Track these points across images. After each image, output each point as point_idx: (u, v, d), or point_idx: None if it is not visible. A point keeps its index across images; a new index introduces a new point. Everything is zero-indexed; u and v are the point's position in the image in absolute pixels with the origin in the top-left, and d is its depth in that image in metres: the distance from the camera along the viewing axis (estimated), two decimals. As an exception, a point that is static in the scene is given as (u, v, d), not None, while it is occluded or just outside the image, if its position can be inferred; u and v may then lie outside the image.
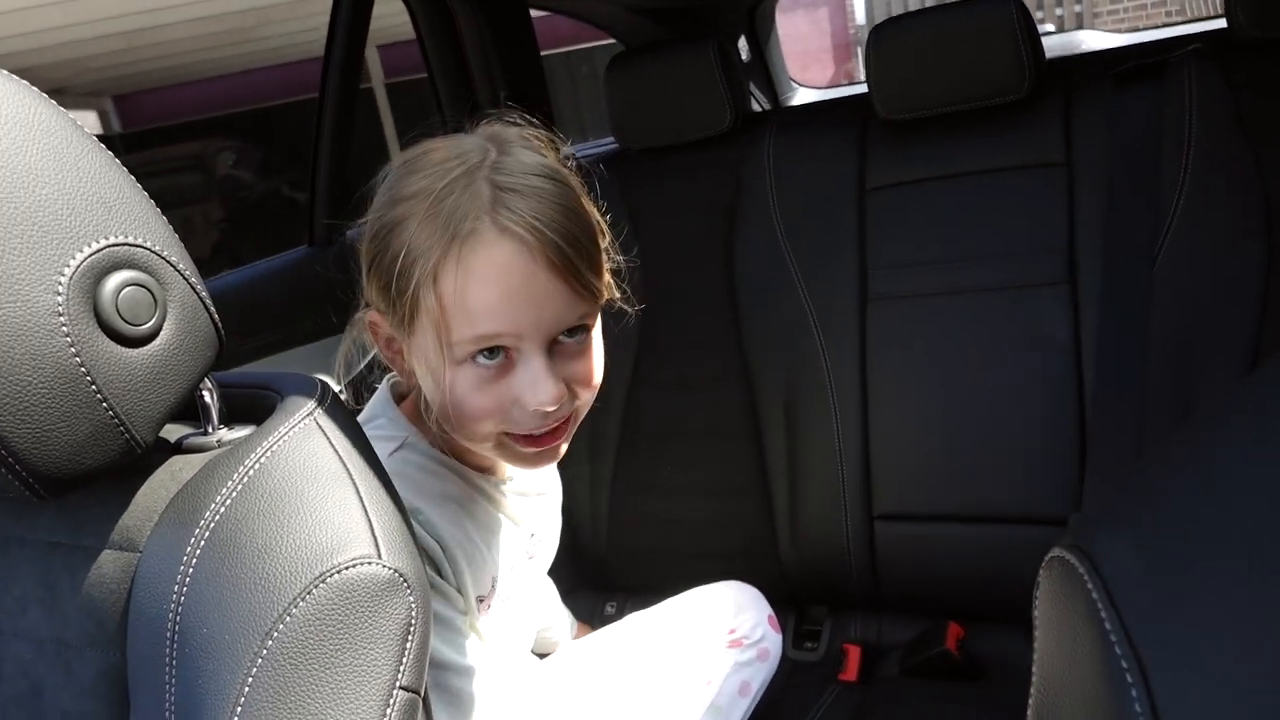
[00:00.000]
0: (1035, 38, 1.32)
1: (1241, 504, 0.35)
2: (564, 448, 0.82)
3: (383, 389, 0.87)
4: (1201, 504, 0.37)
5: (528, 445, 0.78)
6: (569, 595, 1.68)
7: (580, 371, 0.78)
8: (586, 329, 0.79)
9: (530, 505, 0.93)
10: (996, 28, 1.32)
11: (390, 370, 0.86)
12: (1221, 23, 1.33)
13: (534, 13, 1.88)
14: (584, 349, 0.79)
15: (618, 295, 0.85)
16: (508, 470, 0.89)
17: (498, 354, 0.74)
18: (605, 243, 0.81)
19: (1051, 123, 1.36)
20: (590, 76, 6.92)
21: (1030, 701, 0.42)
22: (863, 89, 1.51)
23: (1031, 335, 1.33)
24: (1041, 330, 1.32)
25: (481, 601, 0.86)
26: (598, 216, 0.80)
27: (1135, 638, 0.35)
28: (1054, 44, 1.59)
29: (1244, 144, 1.22)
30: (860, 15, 9.07)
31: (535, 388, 0.74)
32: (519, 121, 0.81)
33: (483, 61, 1.78)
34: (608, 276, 0.81)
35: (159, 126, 7.14)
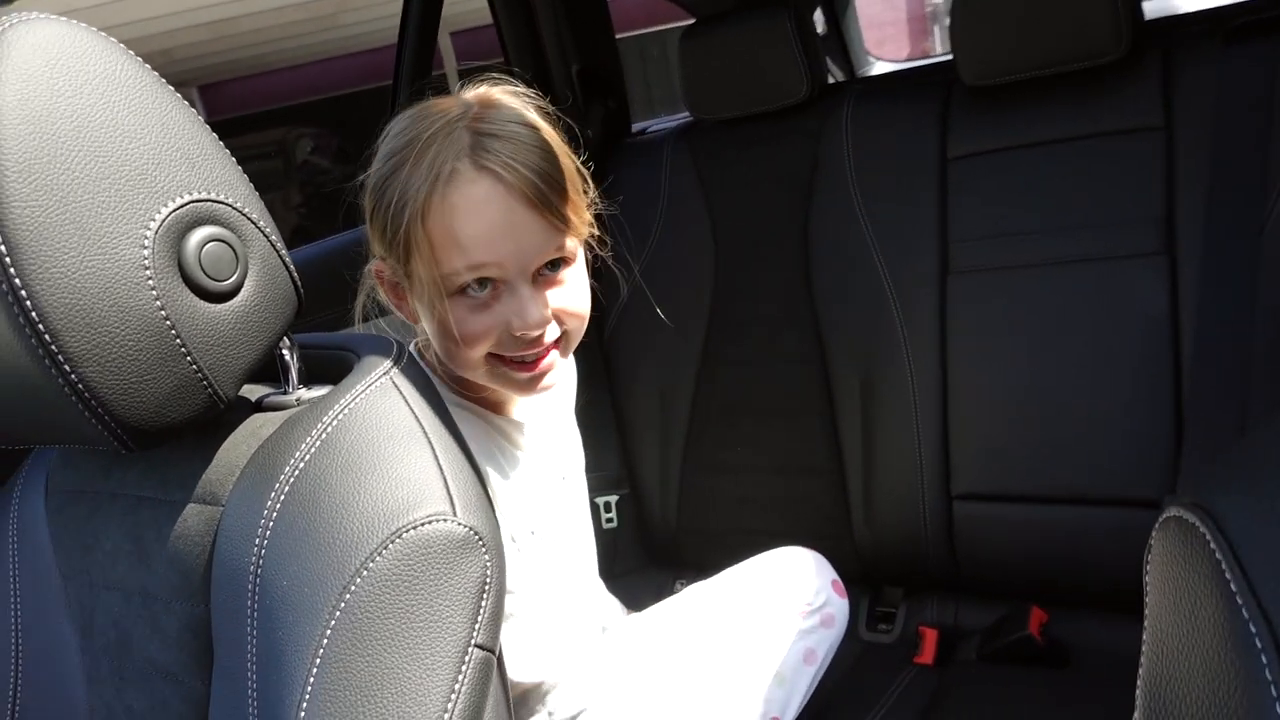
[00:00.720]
0: (1133, -7, 1.26)
1: None
2: (555, 374, 0.87)
3: (412, 344, 0.93)
4: None
5: (519, 370, 0.84)
6: (639, 572, 1.68)
7: (564, 301, 0.84)
8: (568, 261, 0.85)
9: (546, 441, 0.98)
10: None
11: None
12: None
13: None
14: (567, 279, 0.85)
15: (598, 242, 0.92)
16: (515, 411, 0.95)
17: (486, 285, 0.81)
18: (586, 189, 0.87)
19: (1150, 85, 1.29)
20: (661, 59, 6.89)
21: (1140, 671, 0.39)
22: (943, 59, 1.46)
23: (1125, 309, 1.27)
24: (1136, 304, 1.26)
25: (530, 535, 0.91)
26: (578, 164, 0.87)
27: (1265, 600, 0.32)
28: (1151, 8, 1.51)
29: None
30: (938, -9, 8.83)
31: (522, 313, 0.81)
32: (508, 82, 0.88)
33: (557, 41, 1.78)
34: (588, 216, 0.87)
35: (242, 115, 7.35)
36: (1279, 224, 1.17)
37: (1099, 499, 1.28)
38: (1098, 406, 1.28)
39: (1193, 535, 0.36)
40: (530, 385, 0.85)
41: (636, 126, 1.99)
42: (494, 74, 0.88)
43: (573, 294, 0.86)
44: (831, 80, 2.19)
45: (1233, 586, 0.33)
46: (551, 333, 0.84)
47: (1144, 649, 0.39)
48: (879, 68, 2.43)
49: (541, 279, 0.83)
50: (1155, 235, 1.26)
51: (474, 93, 0.85)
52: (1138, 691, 0.39)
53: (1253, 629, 0.32)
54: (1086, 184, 1.32)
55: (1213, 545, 0.34)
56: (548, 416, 1.01)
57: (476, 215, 0.79)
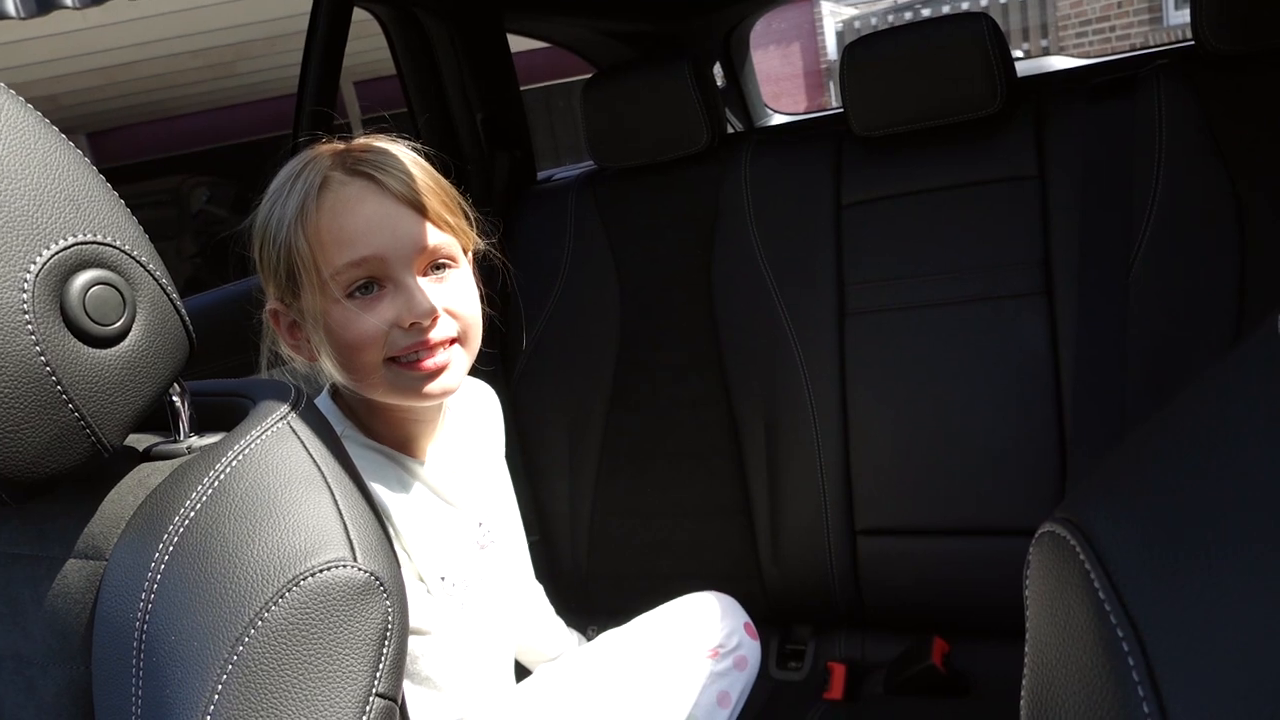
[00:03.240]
0: (1006, 53, 1.34)
1: (1240, 474, 0.35)
2: (454, 376, 0.86)
3: (324, 392, 0.94)
4: (1196, 473, 0.36)
5: (416, 370, 0.84)
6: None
7: (452, 299, 0.85)
8: (452, 265, 0.87)
9: (459, 484, 0.97)
10: (968, 44, 1.33)
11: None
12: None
13: (512, 46, 1.89)
14: (453, 280, 0.87)
15: (482, 245, 0.94)
16: (428, 451, 0.94)
17: (371, 288, 0.82)
18: (465, 210, 0.90)
19: (1024, 137, 1.37)
20: (567, 111, 6.97)
21: (1024, 683, 0.41)
22: (836, 111, 1.53)
23: (1009, 347, 1.34)
24: (1019, 342, 1.33)
25: (439, 581, 0.90)
26: (454, 190, 0.90)
27: (1130, 605, 0.34)
28: (1025, 67, 1.61)
29: (1214, 154, 1.24)
30: (831, 50, 9.22)
31: (409, 304, 0.82)
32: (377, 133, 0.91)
33: (460, 91, 1.79)
34: (472, 231, 0.90)
35: (135, 162, 7.11)
36: (1143, 266, 1.26)
37: (993, 529, 1.33)
38: (988, 440, 1.34)
39: (1063, 548, 0.38)
40: (428, 384, 0.85)
41: (542, 175, 2.01)
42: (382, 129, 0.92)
43: (461, 293, 0.87)
44: (731, 130, 2.26)
45: (1100, 595, 0.35)
46: (445, 327, 0.85)
47: (1025, 661, 0.41)
48: (776, 120, 2.52)
49: (427, 279, 0.84)
50: (1035, 276, 1.34)
51: (355, 138, 0.89)
52: (1021, 703, 0.41)
53: (1120, 633, 0.34)
54: (970, 228, 1.39)
55: (1081, 556, 0.36)
56: (466, 457, 1.00)
57: (352, 211, 0.81)
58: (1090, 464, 1.25)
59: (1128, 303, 1.25)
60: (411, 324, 0.82)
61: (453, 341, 0.86)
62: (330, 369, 0.86)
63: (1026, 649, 0.41)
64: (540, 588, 1.26)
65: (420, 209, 0.84)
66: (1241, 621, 0.32)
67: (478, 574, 0.95)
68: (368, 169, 0.83)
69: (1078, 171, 1.32)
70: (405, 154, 0.87)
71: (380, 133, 0.91)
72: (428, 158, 0.90)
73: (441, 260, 0.86)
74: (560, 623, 1.28)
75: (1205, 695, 0.31)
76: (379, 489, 0.86)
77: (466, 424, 1.03)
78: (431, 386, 0.85)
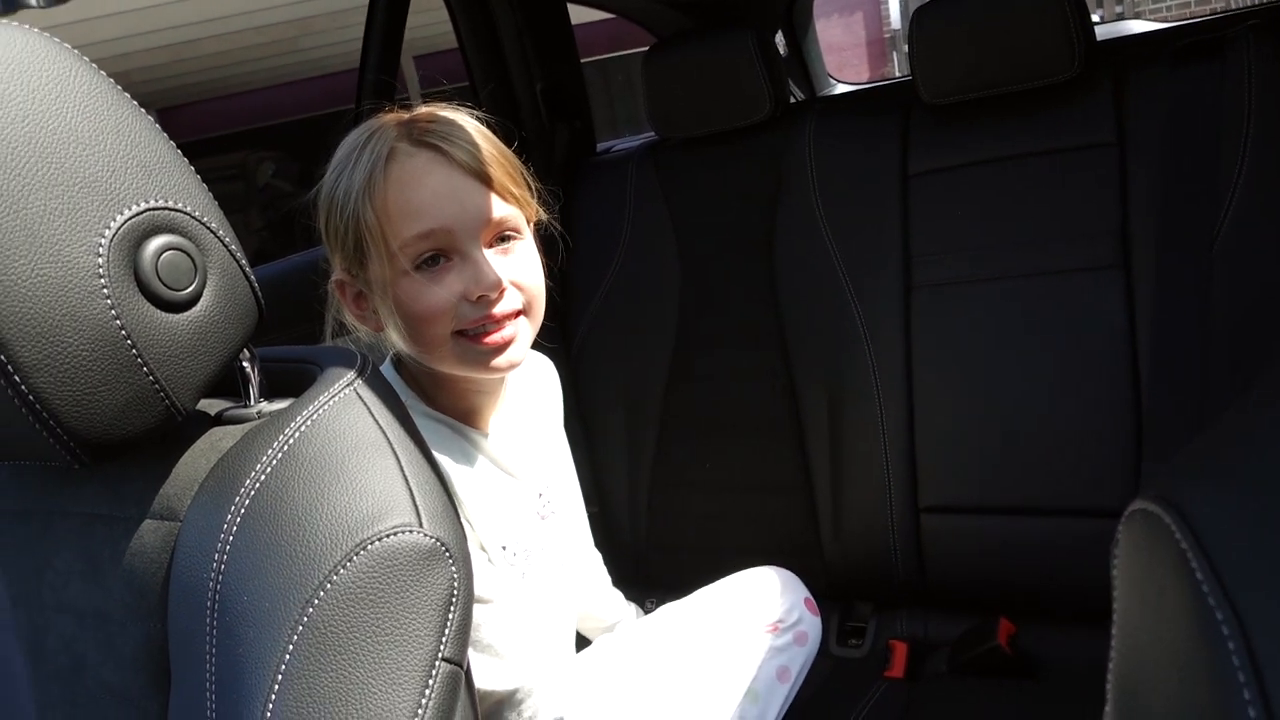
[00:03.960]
0: (1085, 16, 1.29)
1: None
2: (520, 349, 0.87)
3: (387, 361, 0.94)
4: None
5: (484, 343, 0.84)
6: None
7: (518, 271, 0.86)
8: (517, 236, 0.87)
9: (520, 455, 0.97)
10: (1044, 6, 1.28)
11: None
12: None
13: (572, 14, 1.88)
14: (519, 251, 0.87)
15: (544, 216, 0.94)
16: (490, 423, 0.94)
17: (438, 260, 0.83)
18: (528, 182, 0.90)
19: (1102, 103, 1.32)
20: (625, 84, 6.94)
21: (1110, 666, 0.39)
22: (903, 79, 1.49)
23: (1083, 320, 1.29)
24: (1094, 315, 1.28)
25: (501, 550, 0.90)
26: (517, 160, 0.89)
27: (1231, 590, 0.32)
28: (1101, 32, 1.54)
29: None
30: (895, 19, 9.01)
31: (478, 275, 0.82)
32: (440, 102, 0.90)
33: (522, 62, 1.78)
34: (534, 202, 0.90)
35: (202, 138, 7.28)
36: (1229, 238, 1.20)
37: (1063, 510, 1.30)
38: (1060, 418, 1.30)
39: (1158, 526, 0.36)
40: (495, 357, 0.85)
41: (601, 146, 2.00)
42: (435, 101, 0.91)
43: (526, 265, 0.87)
44: (794, 100, 2.22)
45: (1198, 575, 0.33)
46: (511, 299, 0.85)
47: (1113, 643, 0.39)
48: (840, 89, 2.47)
49: (493, 251, 0.84)
50: (1111, 249, 1.29)
51: (417, 108, 0.89)
52: (1108, 686, 0.39)
53: (1219, 615, 0.32)
54: (1044, 199, 1.34)
55: (1178, 535, 0.35)
56: (527, 429, 1.00)
57: (419, 183, 0.81)
58: (1166, 444, 1.20)
59: (1211, 277, 1.20)
60: (480, 297, 0.82)
61: (518, 314, 0.86)
62: (396, 339, 0.86)
63: (1114, 630, 0.39)
64: (599, 557, 1.26)
65: (486, 180, 0.83)
66: None
67: (538, 544, 0.96)
68: (434, 140, 0.83)
69: (1159, 139, 1.27)
70: (470, 124, 0.87)
71: (443, 101, 0.90)
72: (491, 127, 0.89)
73: (507, 232, 0.86)
74: (618, 593, 1.29)
75: None
76: (442, 458, 0.87)
77: (527, 396, 1.03)
78: (499, 360, 0.85)
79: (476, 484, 0.90)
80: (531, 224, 0.90)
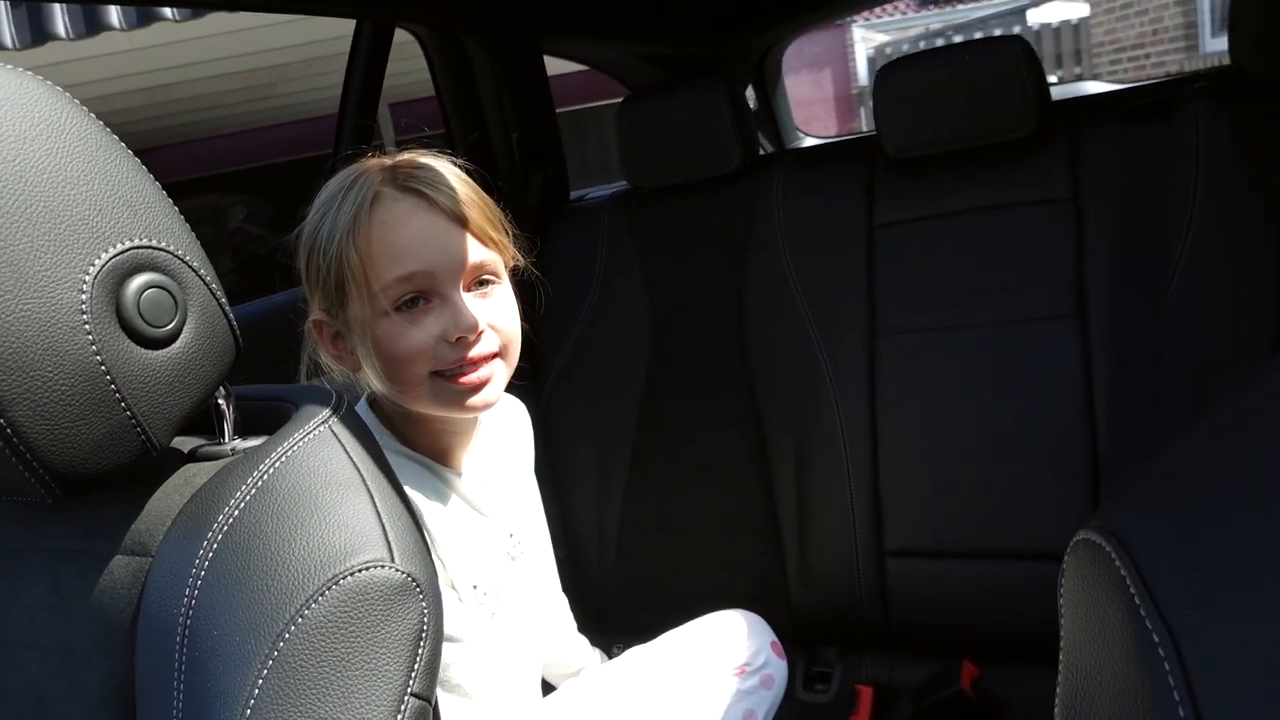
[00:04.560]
0: (1040, 75, 1.34)
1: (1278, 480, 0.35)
2: (495, 389, 0.89)
3: (362, 400, 0.95)
4: (1233, 480, 0.36)
5: (460, 384, 0.86)
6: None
7: (496, 314, 0.88)
8: (494, 280, 0.89)
9: (492, 495, 0.98)
10: (1002, 65, 1.34)
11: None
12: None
13: (549, 66, 1.92)
14: (496, 295, 0.89)
15: (523, 262, 0.96)
16: (463, 462, 0.95)
17: (418, 302, 0.85)
18: (506, 228, 0.92)
19: (1058, 159, 1.37)
20: (597, 135, 7.03)
21: (1059, 690, 0.41)
22: (868, 133, 1.53)
23: (1041, 369, 1.33)
24: (1051, 364, 1.32)
25: (471, 590, 0.90)
26: (495, 205, 0.92)
27: (1167, 614, 0.34)
28: (1059, 92, 1.61)
29: (1251, 179, 1.23)
30: (863, 75, 9.25)
31: (455, 318, 0.84)
32: (421, 149, 0.93)
33: (498, 111, 1.82)
34: (511, 248, 0.93)
35: (175, 181, 7.26)
36: (1180, 288, 1.25)
37: (1024, 553, 1.32)
38: (1021, 462, 1.33)
39: (1099, 555, 0.38)
40: (471, 397, 0.87)
41: (575, 194, 2.03)
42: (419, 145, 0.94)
43: (503, 309, 0.90)
44: (763, 152, 2.27)
45: (1136, 600, 0.35)
46: (488, 342, 0.87)
47: (1060, 669, 0.41)
48: (808, 142, 2.53)
49: (471, 295, 0.87)
50: (1067, 299, 1.33)
51: (402, 153, 0.91)
52: (1055, 711, 0.41)
53: (1156, 639, 0.34)
54: (1003, 251, 1.39)
55: (1118, 563, 0.37)
56: (499, 469, 1.01)
57: (403, 227, 0.84)
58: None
59: (1163, 327, 1.24)
60: (458, 339, 0.84)
61: (495, 356, 0.88)
62: (373, 380, 0.87)
63: (1061, 656, 0.41)
64: (565, 601, 1.26)
65: (467, 225, 0.86)
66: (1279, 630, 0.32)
67: (508, 584, 0.96)
68: (418, 185, 0.85)
69: (1112, 194, 1.32)
70: (451, 170, 0.89)
71: (422, 149, 0.92)
72: (470, 174, 0.92)
73: (486, 276, 0.88)
74: (583, 639, 1.29)
75: (1241, 703, 0.31)
76: (415, 496, 0.87)
77: (499, 437, 1.04)
78: (474, 399, 0.87)
79: (449, 522, 0.91)
80: (509, 269, 0.93)
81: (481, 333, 0.86)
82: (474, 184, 0.91)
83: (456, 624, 0.86)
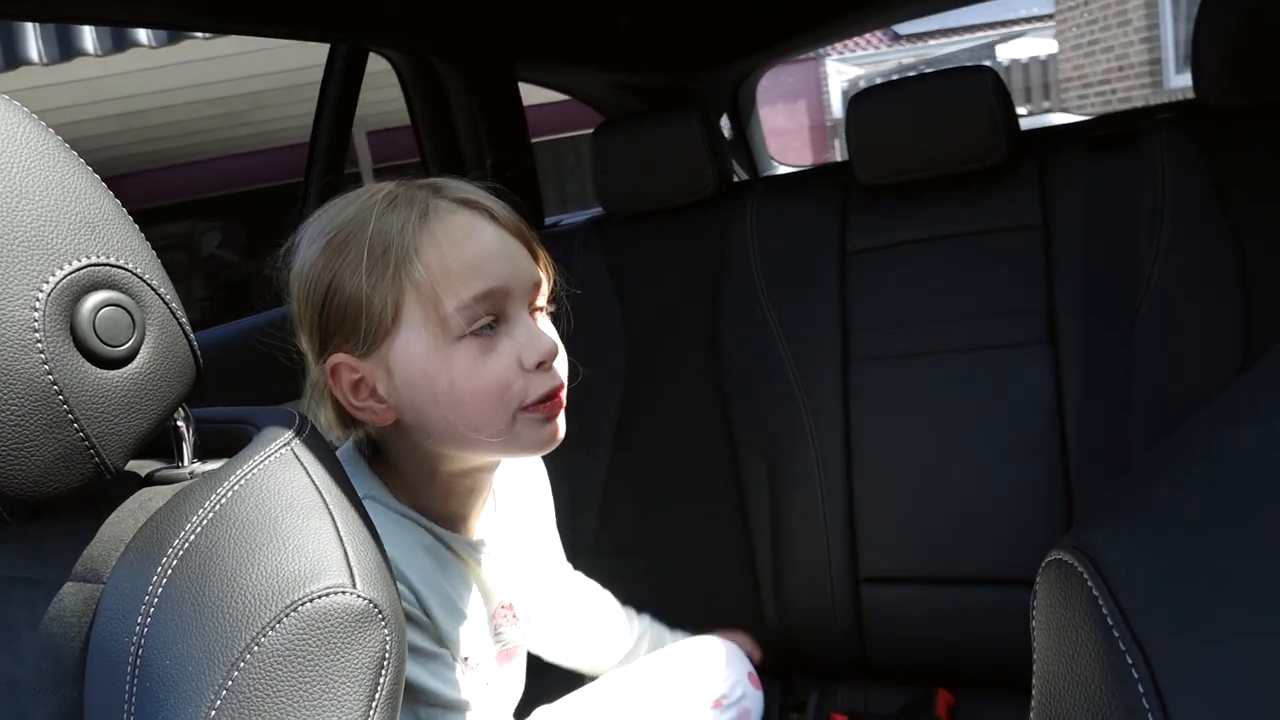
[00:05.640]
0: (1009, 105, 1.36)
1: (1248, 495, 0.35)
2: (564, 427, 0.81)
3: (347, 445, 0.85)
4: (1204, 497, 0.36)
5: (541, 411, 0.77)
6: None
7: (557, 339, 0.81)
8: (543, 308, 0.82)
9: (503, 568, 0.90)
10: (972, 95, 1.36)
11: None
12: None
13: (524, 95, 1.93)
14: (548, 323, 0.83)
15: (560, 287, 0.89)
16: (477, 532, 0.87)
17: (489, 325, 0.75)
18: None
19: (1028, 187, 1.39)
20: (574, 164, 7.07)
21: (1032, 714, 0.40)
22: (841, 161, 1.55)
23: (1013, 395, 1.34)
24: (1023, 390, 1.33)
25: (463, 662, 0.84)
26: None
27: (1140, 632, 0.34)
28: (1027, 124, 1.63)
29: (1217, 206, 1.25)
30: (836, 108, 9.38)
31: (534, 340, 0.76)
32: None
33: (473, 138, 1.82)
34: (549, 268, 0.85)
35: (148, 207, 7.21)
36: (1148, 313, 1.26)
37: (999, 579, 1.32)
38: (993, 489, 1.33)
39: (1070, 575, 0.37)
40: (553, 433, 0.79)
41: (549, 220, 2.03)
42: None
43: (557, 336, 0.82)
44: (737, 179, 2.28)
45: (1109, 620, 0.34)
46: (561, 367, 0.79)
47: (1034, 691, 0.40)
48: (781, 170, 2.55)
49: (534, 316, 0.79)
50: (1039, 325, 1.34)
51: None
52: None
53: (1129, 659, 0.33)
54: (974, 277, 1.40)
55: (1089, 582, 0.36)
56: (514, 534, 0.93)
57: (471, 241, 0.75)
58: None
59: (1132, 352, 1.25)
60: (538, 364, 0.75)
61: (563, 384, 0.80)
62: (414, 427, 0.77)
63: (1034, 679, 0.40)
64: (601, 593, 1.26)
65: (525, 238, 0.79)
66: (1251, 646, 0.31)
67: (493, 652, 0.90)
68: (474, 198, 0.77)
69: (1081, 221, 1.33)
70: (484, 189, 0.82)
71: (409, 177, 0.85)
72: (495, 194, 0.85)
73: (540, 300, 0.81)
74: (626, 612, 1.28)
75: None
76: (417, 570, 0.78)
77: (514, 493, 0.96)
78: (554, 433, 0.78)
79: (457, 593, 0.83)
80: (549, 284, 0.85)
81: (558, 356, 0.78)
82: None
83: (457, 691, 0.80)
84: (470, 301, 0.74)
